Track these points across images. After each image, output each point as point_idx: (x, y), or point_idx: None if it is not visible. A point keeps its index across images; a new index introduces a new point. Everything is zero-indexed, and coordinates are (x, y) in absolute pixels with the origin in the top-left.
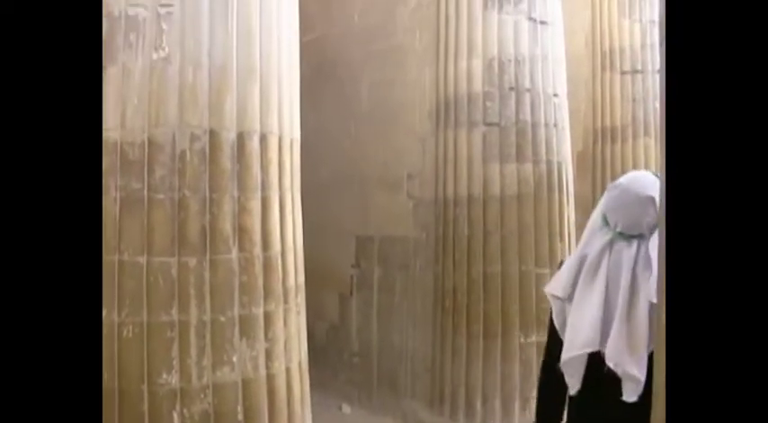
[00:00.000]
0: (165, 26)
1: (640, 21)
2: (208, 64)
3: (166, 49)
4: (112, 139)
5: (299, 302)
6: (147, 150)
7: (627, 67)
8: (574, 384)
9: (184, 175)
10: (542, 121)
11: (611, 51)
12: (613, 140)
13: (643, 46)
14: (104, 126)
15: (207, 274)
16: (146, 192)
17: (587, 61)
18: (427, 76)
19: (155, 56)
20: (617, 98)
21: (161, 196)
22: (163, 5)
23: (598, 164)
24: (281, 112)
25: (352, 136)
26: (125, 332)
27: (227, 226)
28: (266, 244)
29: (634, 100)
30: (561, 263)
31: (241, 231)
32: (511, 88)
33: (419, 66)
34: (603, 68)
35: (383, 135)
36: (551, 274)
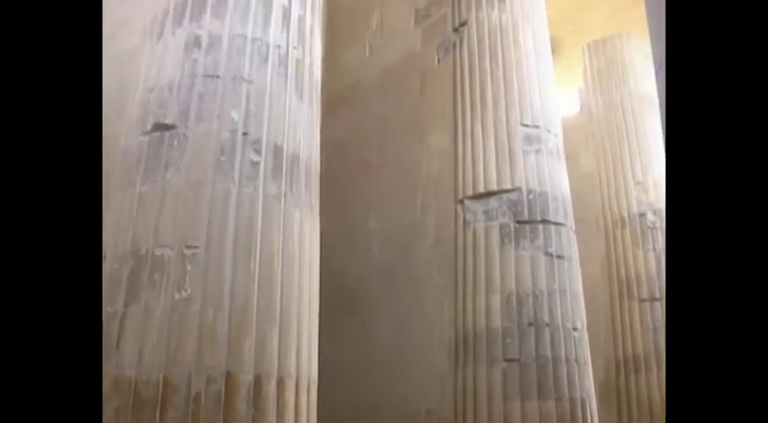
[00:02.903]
0: (189, 267)
1: (654, 249)
2: (229, 305)
3: (189, 290)
4: (127, 376)
5: None
6: (161, 390)
7: (645, 295)
8: None
9: (198, 418)
10: (563, 356)
11: (628, 279)
12: (637, 370)
13: (659, 273)
14: (121, 364)
15: None
16: None
17: (604, 289)
18: (446, 311)
19: (177, 296)
20: (637, 326)
21: None
22: (189, 247)
23: (622, 395)
24: (299, 354)
25: (369, 369)
26: None
27: None
28: None
29: (655, 328)
30: None
31: None
32: (530, 323)
33: (438, 300)
34: (621, 296)
35: (401, 369)
36: None
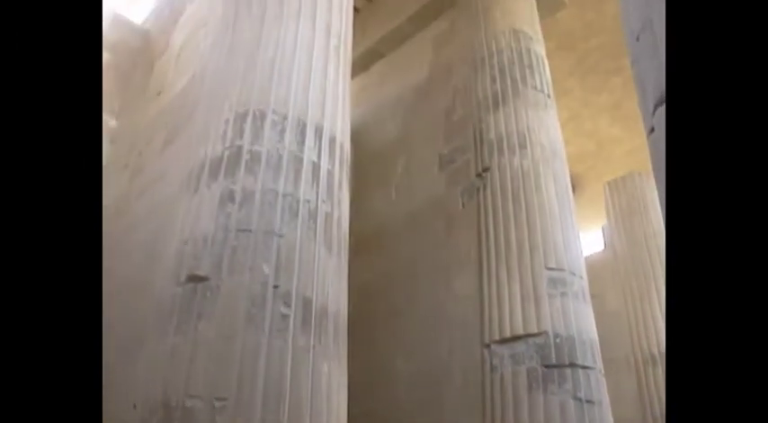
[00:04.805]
0: (218, 419)
1: None
2: None
3: None
4: None
5: None
6: None
7: None
8: None
9: None
10: None
11: (663, 417)
12: None
13: None
14: None
15: None
16: None
17: None
18: None
19: None
20: None
21: None
22: (218, 399)
23: None
24: None
25: None
26: None
27: None
28: None
29: None
30: None
31: None
32: None
33: None
34: None
35: None
36: None
